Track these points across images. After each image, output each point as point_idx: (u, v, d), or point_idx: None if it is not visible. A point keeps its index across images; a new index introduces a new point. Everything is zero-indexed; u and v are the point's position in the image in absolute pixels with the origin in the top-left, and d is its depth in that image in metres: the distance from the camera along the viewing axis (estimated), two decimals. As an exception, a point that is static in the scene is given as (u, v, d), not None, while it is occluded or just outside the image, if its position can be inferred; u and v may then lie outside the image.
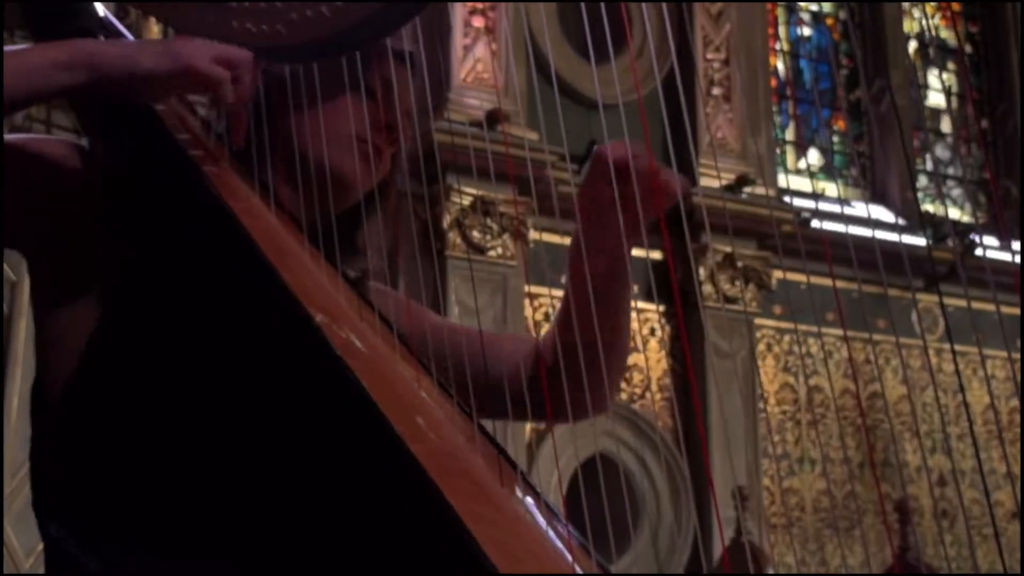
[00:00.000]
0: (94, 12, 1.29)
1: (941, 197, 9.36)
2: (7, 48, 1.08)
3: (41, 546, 1.11)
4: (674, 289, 6.64)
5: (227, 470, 1.04)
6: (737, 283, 7.24)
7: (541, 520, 1.01)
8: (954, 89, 9.70)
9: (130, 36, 1.30)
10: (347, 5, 1.09)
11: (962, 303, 7.55)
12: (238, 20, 1.13)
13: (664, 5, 7.50)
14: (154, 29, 4.42)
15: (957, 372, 8.11)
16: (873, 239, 7.44)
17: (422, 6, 1.11)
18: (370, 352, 1.07)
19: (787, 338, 7.66)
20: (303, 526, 0.97)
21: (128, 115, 1.19)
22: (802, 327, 7.92)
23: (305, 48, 1.14)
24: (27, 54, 1.08)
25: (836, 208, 8.44)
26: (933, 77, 9.56)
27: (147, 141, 1.19)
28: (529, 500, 1.03)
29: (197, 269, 1.10)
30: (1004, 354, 8.16)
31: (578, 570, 0.96)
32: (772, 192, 7.71)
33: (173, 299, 1.09)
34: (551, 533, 1.00)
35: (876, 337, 7.90)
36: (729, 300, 7.18)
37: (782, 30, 8.96)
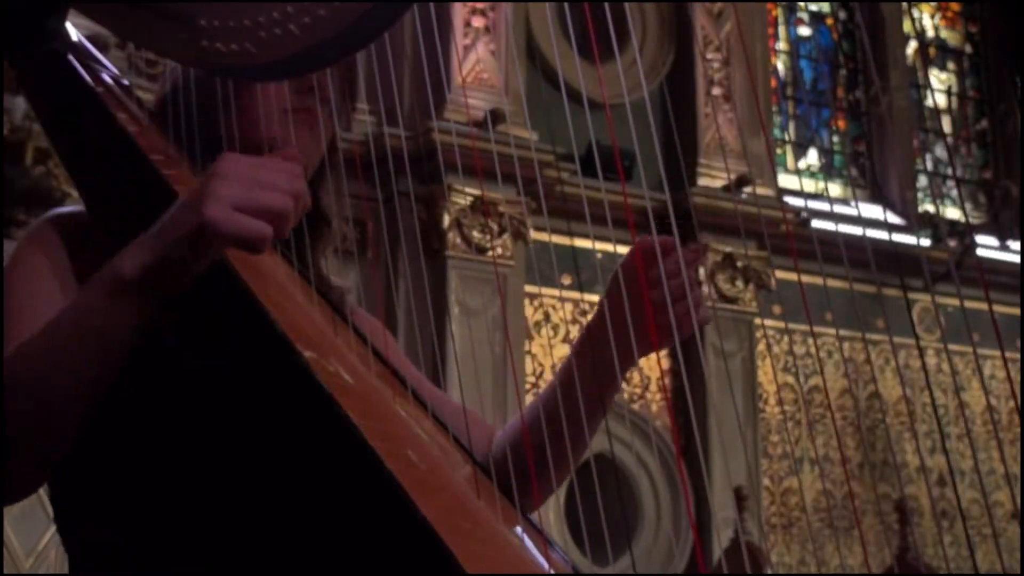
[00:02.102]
0: (67, 36, 1.29)
1: (941, 197, 9.37)
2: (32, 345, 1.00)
3: (42, 545, 1.13)
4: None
5: (221, 486, 1.06)
6: (737, 283, 7.24)
7: (519, 532, 1.02)
8: (954, 89, 9.70)
9: (101, 57, 1.31)
10: (316, 23, 1.10)
11: (962, 303, 7.55)
12: (208, 40, 1.14)
13: (664, 5, 7.52)
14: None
15: (956, 372, 8.11)
16: (873, 239, 7.44)
17: (392, 23, 1.12)
18: (345, 369, 1.08)
19: (787, 338, 7.67)
20: (286, 539, 0.98)
21: (105, 149, 1.19)
22: (802, 327, 7.92)
23: (275, 66, 1.15)
24: (74, 339, 0.98)
25: (836, 208, 8.45)
26: (933, 77, 9.57)
27: (125, 171, 1.19)
28: (507, 513, 1.04)
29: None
30: (1003, 354, 8.16)
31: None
32: (772, 192, 7.71)
33: (165, 321, 1.09)
34: (530, 544, 1.00)
35: (875, 337, 7.90)
36: (729, 300, 7.19)
37: (782, 30, 8.97)
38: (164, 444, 1.08)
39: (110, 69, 1.31)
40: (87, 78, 1.26)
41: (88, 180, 1.22)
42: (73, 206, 1.26)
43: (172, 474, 1.08)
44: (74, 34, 1.30)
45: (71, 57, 1.27)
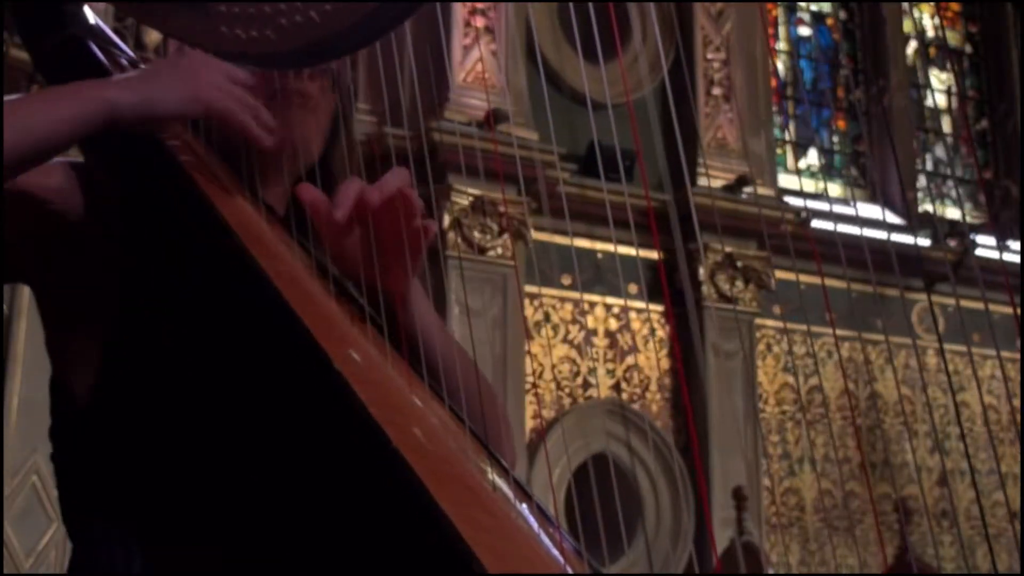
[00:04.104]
0: (84, 19, 1.28)
1: (941, 197, 9.36)
2: (11, 98, 1.08)
3: (42, 545, 1.12)
4: (673, 289, 6.64)
5: (234, 476, 1.05)
6: (737, 283, 7.24)
7: (534, 524, 1.01)
8: (954, 89, 9.70)
9: (119, 41, 1.30)
10: (336, 11, 1.09)
11: (962, 303, 7.54)
12: (227, 26, 1.13)
13: (664, 5, 7.53)
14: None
15: (959, 372, 8.11)
16: (873, 239, 7.44)
17: (412, 12, 1.11)
18: (362, 359, 1.07)
19: (787, 338, 7.67)
20: (298, 529, 0.97)
21: (122, 134, 1.19)
22: (802, 327, 7.92)
23: (295, 54, 1.14)
24: (38, 110, 1.09)
25: (836, 208, 8.45)
26: (933, 77, 9.57)
27: (142, 154, 1.19)
28: (522, 505, 1.03)
29: (192, 276, 1.10)
30: (1003, 354, 8.17)
31: (569, 571, 0.97)
32: (772, 192, 7.71)
33: (174, 306, 1.09)
34: (544, 537, 1.00)
35: (876, 337, 7.90)
36: (729, 300, 7.19)
37: (782, 30, 8.97)
38: (178, 432, 1.08)
39: (128, 54, 1.31)
40: (105, 62, 1.26)
41: (103, 164, 1.22)
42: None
43: (186, 462, 1.07)
44: (92, 18, 1.29)
45: (89, 42, 1.27)
